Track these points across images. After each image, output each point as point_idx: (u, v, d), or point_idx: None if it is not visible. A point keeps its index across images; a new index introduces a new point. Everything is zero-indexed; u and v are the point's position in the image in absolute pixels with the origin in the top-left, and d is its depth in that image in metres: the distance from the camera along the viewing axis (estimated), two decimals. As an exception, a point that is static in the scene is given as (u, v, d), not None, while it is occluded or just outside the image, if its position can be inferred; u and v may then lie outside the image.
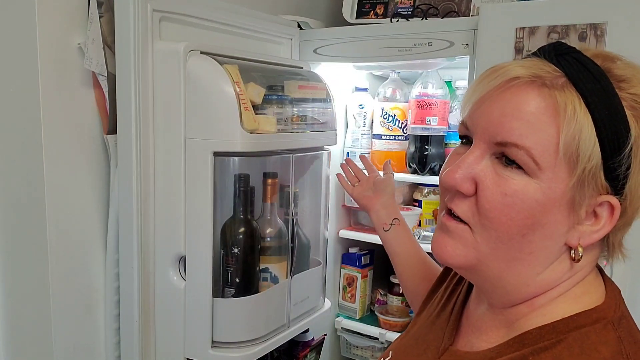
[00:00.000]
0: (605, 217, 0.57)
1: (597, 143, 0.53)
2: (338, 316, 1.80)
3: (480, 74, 0.60)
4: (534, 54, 0.60)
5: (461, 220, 0.60)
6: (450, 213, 0.61)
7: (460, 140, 0.64)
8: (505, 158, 0.56)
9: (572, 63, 0.56)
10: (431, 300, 0.82)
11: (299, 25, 1.54)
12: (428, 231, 1.61)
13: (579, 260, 0.58)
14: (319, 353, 1.58)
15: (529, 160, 0.54)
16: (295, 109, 1.26)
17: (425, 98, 1.58)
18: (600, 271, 0.64)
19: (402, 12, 1.57)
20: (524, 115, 0.55)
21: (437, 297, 0.80)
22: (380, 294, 1.82)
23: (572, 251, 0.58)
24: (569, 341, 0.56)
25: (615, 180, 0.55)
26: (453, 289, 0.77)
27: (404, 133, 1.66)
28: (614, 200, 0.56)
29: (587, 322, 0.57)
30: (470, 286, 0.74)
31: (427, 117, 1.57)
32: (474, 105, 0.59)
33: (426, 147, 1.59)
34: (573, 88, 0.54)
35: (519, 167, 0.55)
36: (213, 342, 1.16)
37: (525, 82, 0.56)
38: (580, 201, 0.56)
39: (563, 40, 1.11)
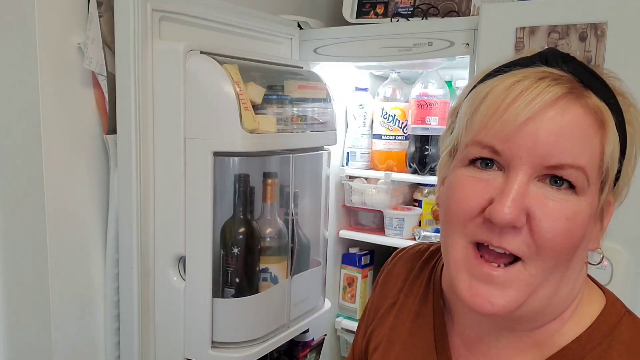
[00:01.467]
0: (606, 214, 0.57)
1: (619, 150, 0.53)
2: (338, 316, 1.79)
3: (494, 91, 0.53)
4: (530, 61, 0.55)
5: (509, 262, 0.54)
6: (484, 251, 0.54)
7: (472, 162, 0.55)
8: (551, 179, 0.52)
9: (581, 70, 0.53)
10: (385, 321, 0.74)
11: (299, 25, 1.54)
12: (428, 231, 1.61)
13: (600, 262, 0.59)
14: (319, 353, 1.58)
15: (583, 180, 0.51)
16: (295, 109, 1.26)
17: (426, 98, 1.58)
18: None
19: (402, 12, 1.57)
20: (576, 133, 0.51)
21: (400, 317, 0.72)
22: (381, 294, 1.82)
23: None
24: (613, 347, 0.56)
25: (617, 180, 0.55)
26: (419, 308, 0.71)
27: (404, 133, 1.66)
28: (611, 197, 0.57)
29: (615, 319, 0.58)
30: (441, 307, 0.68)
31: (427, 117, 1.57)
32: (508, 127, 0.51)
33: (426, 147, 1.58)
34: (596, 97, 0.52)
35: (569, 187, 0.52)
36: (213, 342, 1.16)
37: (567, 98, 0.52)
38: (603, 207, 0.56)
39: (563, 41, 1.09)
